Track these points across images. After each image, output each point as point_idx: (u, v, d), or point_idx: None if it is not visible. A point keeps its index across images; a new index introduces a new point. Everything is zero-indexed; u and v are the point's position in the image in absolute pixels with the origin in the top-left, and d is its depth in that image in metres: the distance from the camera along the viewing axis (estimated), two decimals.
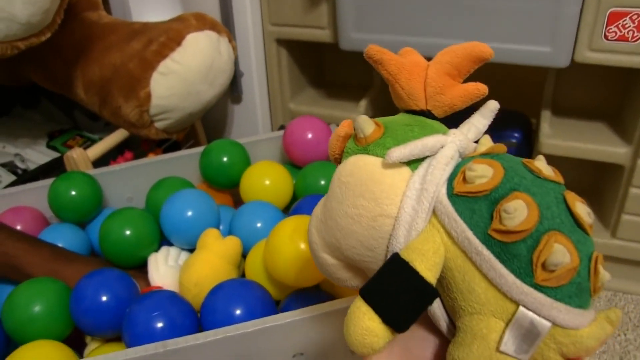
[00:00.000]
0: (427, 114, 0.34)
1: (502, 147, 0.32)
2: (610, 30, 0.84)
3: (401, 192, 0.29)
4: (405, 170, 0.30)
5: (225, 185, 0.81)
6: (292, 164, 0.84)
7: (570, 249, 0.26)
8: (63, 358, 0.51)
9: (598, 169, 1.05)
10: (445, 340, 0.31)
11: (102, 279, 0.58)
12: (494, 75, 1.11)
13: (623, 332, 0.93)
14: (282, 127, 1.08)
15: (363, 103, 1.07)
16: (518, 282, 0.26)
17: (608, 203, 1.01)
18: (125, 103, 0.84)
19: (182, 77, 0.84)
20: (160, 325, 0.51)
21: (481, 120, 0.33)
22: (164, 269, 0.64)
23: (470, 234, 0.27)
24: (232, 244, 0.64)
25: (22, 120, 1.12)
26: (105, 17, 0.95)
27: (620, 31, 0.83)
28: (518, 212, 0.26)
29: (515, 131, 1.08)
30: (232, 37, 0.94)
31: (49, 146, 1.02)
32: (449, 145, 0.30)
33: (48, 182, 0.77)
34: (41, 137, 1.04)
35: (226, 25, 0.98)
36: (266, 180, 0.76)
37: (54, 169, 0.90)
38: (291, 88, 1.11)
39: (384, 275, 0.28)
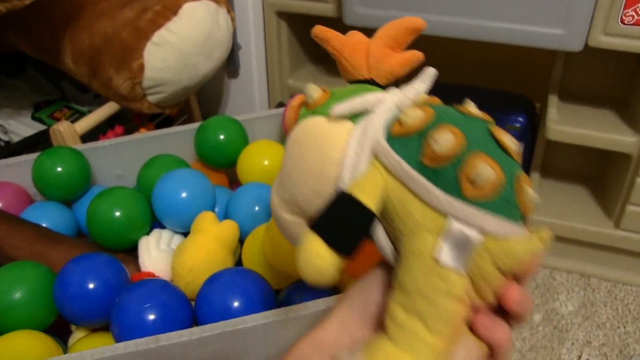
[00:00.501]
0: (371, 82, 0.36)
1: (436, 100, 0.34)
2: (627, 14, 0.80)
3: (345, 140, 0.32)
4: (349, 123, 0.33)
5: (222, 164, 0.77)
6: None
7: (494, 166, 0.28)
8: (45, 350, 0.47)
9: (603, 156, 1.03)
10: None
11: (89, 264, 0.54)
12: (498, 57, 1.08)
13: (622, 324, 0.91)
14: (280, 104, 1.04)
15: None
16: (449, 198, 0.28)
17: (612, 192, 0.99)
18: (117, 75, 0.80)
19: (177, 49, 0.80)
20: (152, 317, 0.47)
21: (420, 84, 0.35)
22: (155, 254, 0.60)
23: (405, 165, 0.30)
24: (229, 228, 0.60)
25: (6, 89, 1.07)
26: None
27: (638, 15, 0.79)
28: (445, 138, 0.29)
29: (519, 115, 1.05)
30: (230, 8, 0.89)
31: (34, 118, 0.97)
32: (388, 99, 0.33)
33: (32, 156, 0.72)
34: (26, 108, 0.99)
35: None
36: (265, 160, 0.73)
37: (39, 142, 0.86)
38: (290, 63, 1.07)
39: (330, 207, 0.30)
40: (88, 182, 0.74)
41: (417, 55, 0.37)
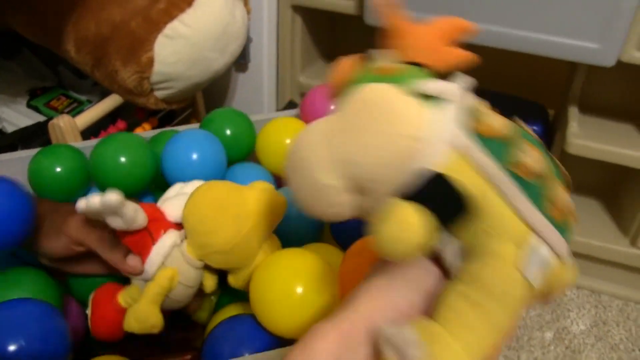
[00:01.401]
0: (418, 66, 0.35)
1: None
2: None
3: (419, 118, 0.31)
4: (420, 104, 0.31)
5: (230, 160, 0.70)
6: None
7: (569, 197, 0.30)
8: None
9: (621, 171, 0.99)
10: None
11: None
12: (510, 61, 1.04)
13: (637, 346, 0.89)
14: (291, 104, 0.99)
15: None
16: (536, 211, 0.28)
17: (628, 209, 0.96)
18: (124, 67, 0.74)
19: (190, 42, 0.74)
20: None
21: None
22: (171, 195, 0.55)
23: (495, 167, 0.29)
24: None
25: (0, 71, 1.00)
26: None
27: None
28: (536, 156, 0.29)
29: (534, 124, 1.01)
30: (247, 0, 0.84)
31: (29, 106, 0.91)
32: (462, 94, 0.32)
33: (29, 153, 0.67)
34: (21, 94, 0.93)
35: None
36: (287, 138, 0.66)
37: (36, 136, 0.80)
38: (302, 59, 1.01)
39: (426, 187, 0.29)
40: (88, 183, 0.68)
41: (472, 57, 0.37)
